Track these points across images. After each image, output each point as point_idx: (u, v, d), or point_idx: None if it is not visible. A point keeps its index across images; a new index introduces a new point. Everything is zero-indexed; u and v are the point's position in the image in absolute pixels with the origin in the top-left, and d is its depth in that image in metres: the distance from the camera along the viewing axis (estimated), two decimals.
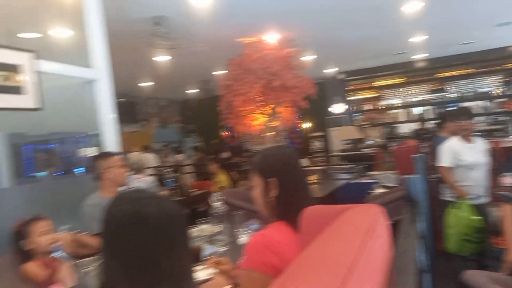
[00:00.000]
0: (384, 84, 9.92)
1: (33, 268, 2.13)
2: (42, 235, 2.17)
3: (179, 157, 9.94)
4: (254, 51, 5.36)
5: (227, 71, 5.81)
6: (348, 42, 6.81)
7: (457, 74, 9.09)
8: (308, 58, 6.91)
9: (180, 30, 4.65)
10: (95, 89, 2.89)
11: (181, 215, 0.90)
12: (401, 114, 9.88)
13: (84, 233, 2.43)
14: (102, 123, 2.95)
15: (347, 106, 10.24)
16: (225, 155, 8.75)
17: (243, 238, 2.31)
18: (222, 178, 5.71)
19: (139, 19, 4.37)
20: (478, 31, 6.73)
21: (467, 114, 3.46)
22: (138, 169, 4.10)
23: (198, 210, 5.65)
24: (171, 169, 5.57)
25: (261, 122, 6.29)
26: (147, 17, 4.35)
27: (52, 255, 2.12)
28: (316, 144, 10.94)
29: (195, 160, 10.35)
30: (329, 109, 10.27)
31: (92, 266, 1.63)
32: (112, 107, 3.02)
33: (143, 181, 3.83)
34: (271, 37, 5.61)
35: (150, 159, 6.86)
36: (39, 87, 2.41)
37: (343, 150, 8.99)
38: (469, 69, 8.98)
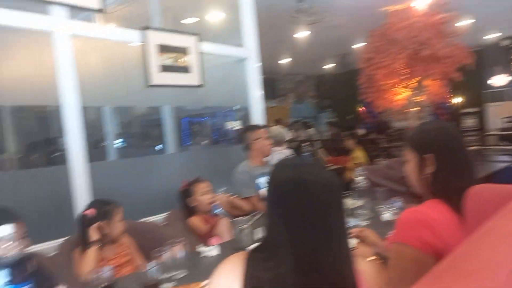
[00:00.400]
0: None
1: (196, 221, 2.51)
2: (203, 195, 2.52)
3: (310, 131, 10.04)
4: (400, 19, 4.96)
5: (367, 43, 5.54)
6: None
7: None
8: (463, 23, 6.07)
9: (321, 3, 4.61)
10: (246, 67, 3.13)
11: (338, 183, 0.95)
12: None
13: (235, 196, 2.72)
14: (251, 98, 3.19)
15: (509, 79, 8.72)
16: (360, 131, 8.49)
17: (387, 215, 2.25)
18: (359, 154, 5.57)
19: None
20: None
21: None
22: (278, 141, 4.31)
23: None
24: (307, 143, 5.68)
25: (404, 97, 5.88)
26: None
27: (212, 212, 2.46)
28: (469, 122, 9.67)
29: (329, 135, 10.33)
30: (488, 82, 8.89)
31: (246, 225, 1.82)
32: (259, 83, 3.24)
33: (283, 153, 4.01)
34: (420, 3, 5.10)
35: (286, 133, 7.12)
36: (201, 66, 2.74)
37: (503, 129, 7.78)
38: None
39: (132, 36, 2.40)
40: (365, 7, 5.21)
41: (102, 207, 1.92)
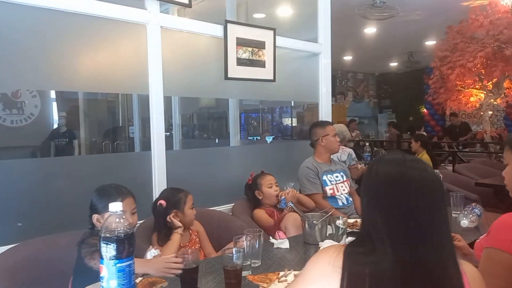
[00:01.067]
0: None
1: (261, 214, 2.54)
2: (270, 188, 2.55)
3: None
4: (482, 15, 4.62)
5: (443, 40, 5.23)
6: None
7: None
8: None
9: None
10: (318, 63, 3.10)
11: (440, 182, 0.92)
12: None
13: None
14: (320, 94, 3.16)
15: None
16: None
17: (465, 221, 2.13)
18: (424, 158, 5.31)
19: None
20: None
21: None
22: (342, 139, 4.23)
23: None
24: (368, 143, 5.51)
25: (476, 99, 5.50)
26: None
27: (281, 205, 2.47)
28: None
29: (388, 136, 9.93)
30: None
31: (319, 220, 1.82)
32: (329, 80, 3.19)
33: (345, 152, 3.93)
34: None
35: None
36: (274, 61, 2.76)
37: None
38: None
39: (214, 30, 2.47)
40: (441, 2, 4.93)
41: (175, 195, 2.01)
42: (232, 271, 1.28)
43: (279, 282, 1.33)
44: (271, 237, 1.98)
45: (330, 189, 2.78)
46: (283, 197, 2.41)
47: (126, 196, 1.61)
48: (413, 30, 6.58)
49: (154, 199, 2.17)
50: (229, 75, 2.53)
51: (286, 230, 2.27)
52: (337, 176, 2.86)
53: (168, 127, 5.50)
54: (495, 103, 5.14)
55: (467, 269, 0.90)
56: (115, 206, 1.05)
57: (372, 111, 12.87)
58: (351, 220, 2.11)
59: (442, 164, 5.66)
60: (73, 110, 5.66)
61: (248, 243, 1.47)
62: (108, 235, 1.01)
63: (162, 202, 1.94)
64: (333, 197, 2.79)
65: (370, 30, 6.41)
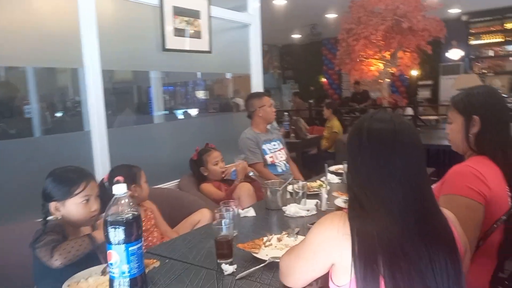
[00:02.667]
0: None
1: (210, 187, 2.55)
2: (216, 164, 2.56)
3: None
4: None
5: (347, 13, 5.63)
6: None
7: None
8: None
9: None
10: (249, 33, 3.12)
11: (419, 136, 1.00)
12: None
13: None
14: (252, 65, 3.20)
15: (463, 53, 9.27)
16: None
17: None
18: (335, 124, 5.79)
19: None
20: None
21: None
22: None
23: (309, 153, 5.90)
24: (286, 112, 5.79)
25: (376, 69, 6.12)
26: None
27: (232, 178, 2.51)
28: (424, 94, 10.24)
29: (295, 106, 10.50)
30: (446, 55, 9.40)
31: (281, 187, 1.91)
32: (260, 51, 3.24)
33: None
34: None
35: None
36: (210, 32, 2.70)
37: None
38: None
39: None
40: None
41: (130, 170, 1.91)
42: (225, 242, 1.29)
43: (265, 247, 1.39)
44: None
45: (270, 157, 2.90)
46: (233, 169, 2.45)
47: (90, 179, 1.46)
48: (318, 3, 6.92)
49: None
50: (167, 46, 2.41)
51: (239, 200, 2.32)
52: (274, 145, 2.99)
53: (74, 104, 4.98)
54: (391, 71, 5.78)
55: (445, 212, 1.00)
56: (120, 188, 0.98)
57: (276, 82, 13.35)
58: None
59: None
60: None
61: (230, 214, 1.49)
62: (116, 218, 0.95)
63: (120, 178, 1.81)
64: (273, 165, 2.91)
65: (279, 1, 6.56)
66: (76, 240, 1.30)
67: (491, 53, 9.16)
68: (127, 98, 5.22)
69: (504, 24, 8.82)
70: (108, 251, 0.96)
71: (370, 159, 0.94)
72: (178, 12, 2.45)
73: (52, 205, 1.41)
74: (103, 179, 1.93)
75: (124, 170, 1.91)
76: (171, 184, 2.57)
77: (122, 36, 2.22)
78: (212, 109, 7.05)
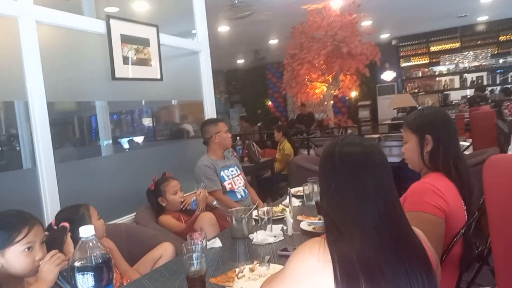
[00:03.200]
0: (439, 49, 9.63)
1: (168, 219, 2.44)
2: (174, 194, 2.47)
3: None
4: (320, 18, 5.38)
5: (290, 39, 5.86)
6: (407, 5, 6.53)
7: None
8: (366, 23, 6.81)
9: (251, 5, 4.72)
10: (200, 60, 3.11)
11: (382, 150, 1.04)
12: (454, 81, 9.62)
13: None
14: (204, 91, 3.19)
15: (395, 74, 10.02)
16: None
17: None
18: (287, 146, 5.90)
19: None
20: None
21: None
22: None
23: (262, 176, 5.93)
24: (238, 137, 5.80)
25: (320, 91, 6.39)
26: None
27: (191, 207, 2.42)
28: (364, 113, 10.85)
29: (242, 130, 10.59)
30: (381, 77, 10.10)
31: (246, 214, 1.87)
32: (210, 76, 3.24)
33: None
34: (335, 3, 5.59)
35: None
36: (160, 59, 2.65)
37: (394, 119, 8.93)
38: None
39: (96, 25, 2.22)
40: (285, 4, 5.50)
41: (76, 212, 1.76)
42: (197, 278, 1.23)
43: (238, 279, 1.35)
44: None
45: (228, 184, 2.86)
46: (194, 198, 2.37)
47: (34, 223, 1.30)
48: (260, 30, 7.15)
49: (47, 222, 1.86)
50: (117, 75, 2.33)
51: (201, 230, 2.24)
52: (232, 171, 2.96)
53: (9, 139, 4.59)
54: (334, 93, 6.06)
55: (415, 230, 1.03)
56: (86, 231, 0.89)
57: (224, 107, 13.43)
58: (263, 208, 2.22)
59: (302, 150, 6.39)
60: None
61: (198, 247, 1.42)
62: (84, 264, 0.86)
63: (65, 224, 1.67)
64: (232, 191, 2.87)
65: (224, 28, 6.68)
66: None
67: (419, 74, 10.00)
68: (69, 129, 4.92)
69: (430, 47, 9.71)
70: None
71: (344, 182, 0.96)
72: (126, 40, 2.39)
73: None
74: (50, 223, 1.76)
75: (68, 214, 1.76)
76: (127, 219, 2.43)
77: (68, 66, 2.10)
78: (160, 137, 6.88)
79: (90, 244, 0.89)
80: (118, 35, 2.33)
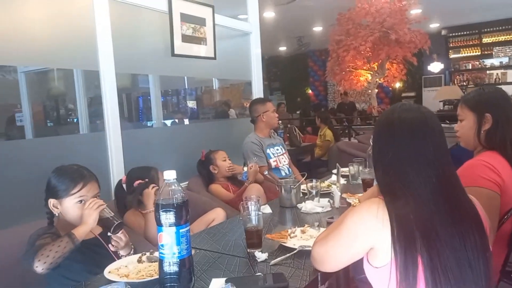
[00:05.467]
0: (492, 41, 9.15)
1: (218, 188, 2.59)
2: (223, 161, 2.61)
3: None
4: (369, 4, 5.30)
5: (335, 26, 5.82)
6: None
7: None
8: (415, 11, 6.61)
9: None
10: (250, 42, 3.21)
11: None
12: (507, 74, 9.13)
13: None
14: (253, 72, 3.29)
15: (443, 66, 9.64)
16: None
17: None
18: (328, 133, 5.91)
19: None
20: None
21: None
22: None
23: (302, 161, 5.99)
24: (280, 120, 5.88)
25: (365, 79, 6.31)
26: None
27: (242, 179, 2.55)
28: None
29: (279, 114, 10.60)
30: (428, 68, 9.76)
31: (296, 185, 1.96)
32: (259, 59, 3.33)
33: None
34: None
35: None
36: (214, 39, 2.77)
37: (439, 111, 8.64)
38: None
39: (159, 3, 2.36)
40: None
41: (149, 173, 1.93)
42: (255, 231, 1.34)
43: (291, 238, 1.44)
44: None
45: (274, 161, 2.96)
46: (245, 170, 2.50)
47: (89, 179, 1.45)
48: (305, 16, 7.11)
49: (113, 182, 2.05)
50: (176, 52, 2.47)
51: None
52: (277, 149, 3.06)
53: (67, 111, 4.90)
54: (380, 82, 5.97)
55: (471, 197, 1.06)
56: (170, 174, 1.02)
57: (263, 93, 13.47)
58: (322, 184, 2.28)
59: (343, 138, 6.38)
60: None
61: (256, 206, 1.52)
62: (166, 202, 0.99)
63: (140, 181, 1.85)
64: (276, 169, 2.97)
65: (269, 14, 6.71)
66: (54, 243, 1.26)
67: (469, 66, 9.57)
68: (129, 103, 5.22)
69: (482, 39, 9.25)
70: (159, 233, 0.99)
71: (404, 149, 0.99)
72: (185, 19, 2.52)
73: (51, 202, 1.41)
74: (120, 180, 1.95)
75: (142, 171, 1.94)
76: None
77: (133, 41, 2.27)
78: (204, 117, 7.11)
79: (173, 186, 1.01)
80: (178, 14, 2.46)
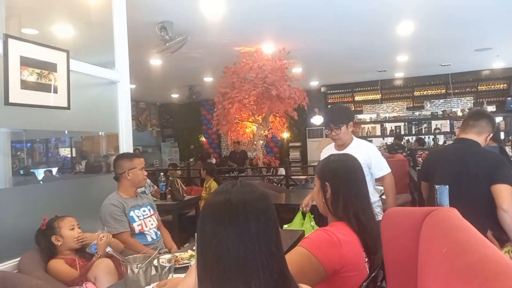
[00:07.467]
0: (362, 99, 10.35)
1: (59, 265, 2.14)
2: (71, 229, 2.20)
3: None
4: (252, 61, 5.49)
5: (222, 78, 5.89)
6: (334, 58, 7.01)
7: (433, 93, 9.66)
8: (296, 70, 7.12)
9: (183, 35, 4.69)
10: (117, 90, 2.92)
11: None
12: (376, 129, 10.32)
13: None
14: (121, 123, 2.98)
15: (323, 119, 10.51)
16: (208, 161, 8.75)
17: None
18: (213, 185, 5.76)
19: (146, 23, 4.41)
20: (457, 55, 7.19)
21: None
22: None
23: (186, 215, 5.68)
24: (162, 173, 5.53)
25: (251, 131, 6.43)
26: (153, 21, 4.40)
27: (89, 251, 2.15)
28: (295, 154, 11.16)
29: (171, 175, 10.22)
30: (311, 120, 10.54)
31: (144, 263, 1.68)
32: (129, 108, 3.05)
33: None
34: (267, 47, 5.77)
35: None
36: (69, 87, 2.43)
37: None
38: (442, 89, 9.59)
39: None
40: (219, 44, 5.56)
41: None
42: None
43: None
44: None
45: (138, 225, 2.63)
46: (94, 242, 2.11)
47: None
48: (194, 66, 7.13)
49: None
50: (11, 100, 2.06)
51: (96, 280, 1.98)
52: (144, 210, 2.73)
53: None
54: (264, 134, 6.12)
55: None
56: None
57: (155, 140, 13.01)
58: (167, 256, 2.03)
59: None
60: None
61: None
62: None
63: None
64: (141, 233, 2.64)
65: (156, 62, 6.55)
66: None
67: None
68: None
69: (354, 97, 10.41)
70: None
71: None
72: (27, 63, 2.16)
73: None
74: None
75: None
76: (7, 265, 2.08)
77: None
78: (66, 170, 6.35)
79: None
80: (17, 57, 2.09)
